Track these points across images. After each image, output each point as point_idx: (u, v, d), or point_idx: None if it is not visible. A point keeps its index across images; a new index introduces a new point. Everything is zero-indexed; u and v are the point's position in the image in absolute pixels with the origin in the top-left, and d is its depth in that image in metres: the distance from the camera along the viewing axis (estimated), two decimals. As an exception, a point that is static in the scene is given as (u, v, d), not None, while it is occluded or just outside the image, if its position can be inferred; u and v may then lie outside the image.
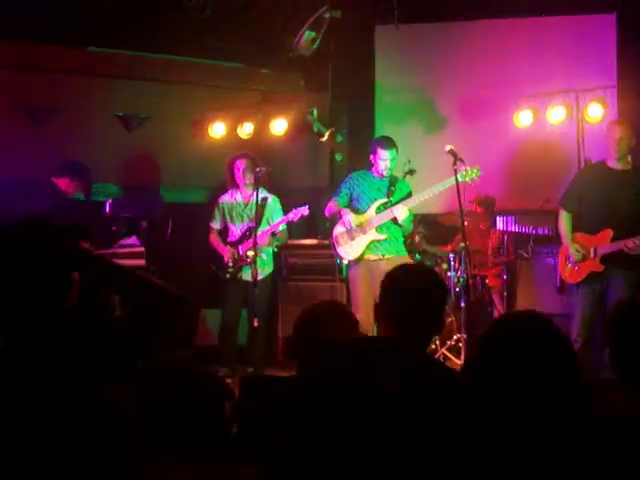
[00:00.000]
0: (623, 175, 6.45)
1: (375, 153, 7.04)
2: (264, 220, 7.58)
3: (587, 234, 6.50)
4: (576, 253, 6.43)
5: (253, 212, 7.48)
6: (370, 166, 7.17)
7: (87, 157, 8.02)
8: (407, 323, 2.75)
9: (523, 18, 9.09)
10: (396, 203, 7.02)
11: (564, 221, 6.67)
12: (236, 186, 7.73)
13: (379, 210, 7.04)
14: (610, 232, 6.33)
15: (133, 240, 7.50)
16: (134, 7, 8.17)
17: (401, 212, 6.93)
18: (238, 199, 7.73)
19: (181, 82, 9.04)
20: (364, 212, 7.07)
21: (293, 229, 8.13)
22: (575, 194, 6.66)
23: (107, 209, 7.85)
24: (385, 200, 7.07)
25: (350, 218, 7.01)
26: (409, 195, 7.15)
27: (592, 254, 6.39)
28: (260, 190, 7.43)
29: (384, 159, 6.99)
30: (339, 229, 7.12)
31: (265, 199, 7.55)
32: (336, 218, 7.20)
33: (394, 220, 6.99)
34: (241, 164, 7.62)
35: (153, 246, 7.48)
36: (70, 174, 7.37)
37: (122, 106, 8.76)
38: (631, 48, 8.62)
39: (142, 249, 7.57)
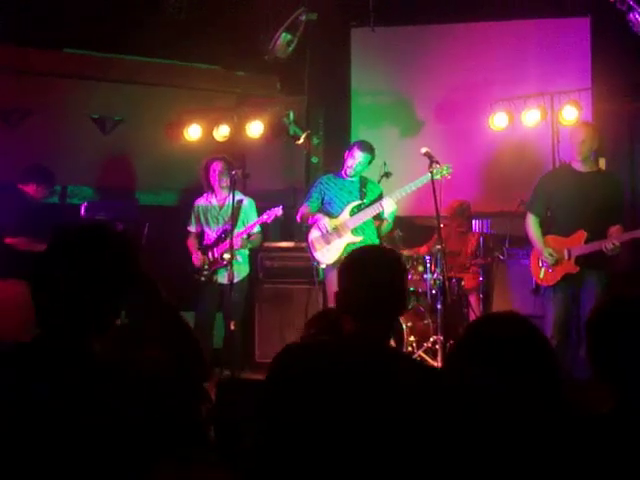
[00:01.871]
0: (589, 177, 6.50)
1: (351, 150, 7.09)
2: (239, 222, 7.56)
3: (559, 236, 6.53)
4: (550, 257, 6.46)
5: (228, 215, 7.47)
6: (340, 169, 7.18)
7: (62, 160, 7.98)
8: (368, 311, 2.59)
9: (498, 21, 9.14)
10: (370, 204, 7.03)
11: (533, 225, 6.70)
12: (211, 189, 7.71)
13: (353, 212, 7.04)
14: (584, 233, 6.37)
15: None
16: (109, 9, 8.13)
17: (390, 205, 6.94)
18: (213, 202, 7.71)
19: (157, 84, 9.01)
20: (337, 215, 7.07)
21: (270, 232, 8.12)
22: (542, 198, 6.68)
23: (82, 212, 7.81)
24: (359, 202, 7.07)
25: (325, 222, 7.01)
26: (380, 196, 7.17)
27: (566, 256, 6.42)
28: (235, 193, 7.43)
29: (354, 158, 7.03)
30: (314, 233, 7.11)
31: (240, 201, 7.54)
32: (307, 222, 7.21)
33: (375, 217, 7.01)
34: (217, 167, 7.61)
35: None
36: (36, 180, 7.32)
37: (97, 108, 8.72)
38: (605, 51, 8.68)
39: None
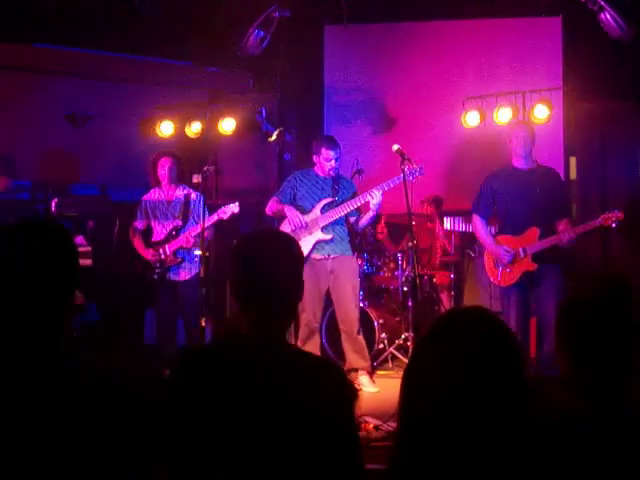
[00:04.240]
0: (531, 174, 6.55)
1: (319, 153, 7.03)
2: (190, 219, 7.45)
3: (511, 235, 6.56)
4: (505, 254, 6.47)
5: (177, 210, 7.39)
6: (313, 165, 7.17)
7: (31, 155, 7.91)
8: (258, 303, 2.47)
9: (471, 20, 9.17)
10: (342, 202, 7.02)
11: (481, 227, 6.73)
12: (159, 184, 7.59)
13: (324, 210, 7.03)
14: (537, 230, 6.41)
15: (80, 240, 7.43)
16: (80, 3, 8.06)
17: (377, 196, 6.88)
18: (161, 197, 7.58)
19: (128, 80, 8.97)
20: (309, 212, 7.05)
21: (241, 228, 8.08)
22: (488, 200, 6.71)
23: (52, 208, 7.75)
24: (330, 200, 7.06)
25: (296, 217, 6.99)
26: (354, 193, 7.16)
27: (522, 254, 6.44)
28: (182, 187, 7.40)
29: (329, 159, 6.99)
30: (285, 228, 7.09)
31: (188, 195, 7.44)
32: (278, 215, 7.18)
33: (349, 214, 7.01)
34: (166, 162, 7.48)
35: (100, 245, 7.39)
36: None
37: (68, 104, 8.65)
38: (576, 50, 8.75)
39: (89, 248, 7.51)
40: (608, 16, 7.85)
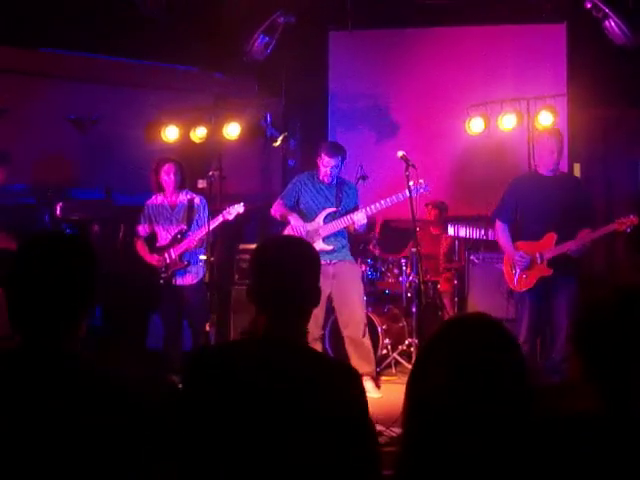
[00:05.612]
0: (555, 181, 6.55)
1: (319, 158, 7.03)
2: (194, 223, 7.46)
3: (530, 241, 6.57)
4: (521, 260, 6.49)
5: (181, 215, 7.40)
6: (317, 168, 7.17)
7: (38, 159, 7.94)
8: (277, 307, 2.53)
9: (476, 26, 9.19)
10: (345, 213, 7.02)
11: (502, 231, 6.74)
12: (162, 190, 7.59)
13: (327, 220, 7.03)
14: (554, 235, 6.41)
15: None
16: (87, 8, 8.08)
17: (361, 217, 6.92)
18: (164, 202, 7.59)
19: (134, 85, 9.00)
20: (311, 220, 7.06)
21: (245, 233, 8.10)
22: (511, 205, 6.72)
23: (58, 212, 7.76)
24: (333, 210, 7.06)
25: (299, 225, 7.00)
26: (356, 196, 7.18)
27: (539, 260, 6.46)
28: (185, 192, 7.41)
29: (326, 166, 6.97)
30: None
31: (192, 200, 7.45)
32: (282, 219, 7.18)
33: (346, 228, 7.02)
34: (170, 169, 7.48)
35: (105, 249, 7.40)
36: None
37: (74, 108, 8.68)
38: (580, 57, 8.77)
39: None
40: (612, 23, 7.87)
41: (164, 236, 7.46)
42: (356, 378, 2.50)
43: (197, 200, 7.46)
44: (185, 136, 8.90)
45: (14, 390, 2.08)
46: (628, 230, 6.32)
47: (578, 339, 2.29)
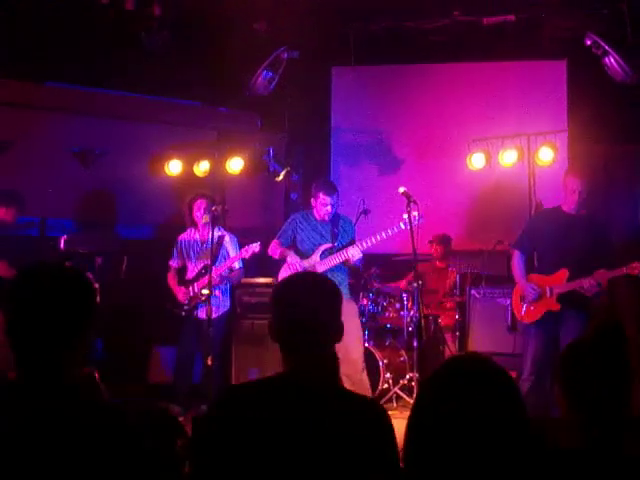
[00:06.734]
0: (577, 219, 6.57)
1: (317, 198, 7.07)
2: (220, 258, 7.58)
3: (543, 275, 6.59)
4: (532, 292, 6.51)
5: (210, 250, 7.48)
6: (312, 208, 7.21)
7: (42, 192, 7.98)
8: (297, 344, 2.54)
9: (477, 62, 9.28)
10: (341, 248, 7.05)
11: (518, 262, 6.76)
12: (194, 225, 7.73)
13: (323, 256, 7.07)
14: (566, 272, 6.43)
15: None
16: (92, 43, 8.17)
17: (356, 253, 6.96)
18: (196, 237, 7.73)
19: (138, 119, 9.06)
20: (309, 256, 7.09)
21: (248, 267, 8.12)
22: (530, 237, 6.76)
23: (62, 245, 7.80)
24: (330, 245, 7.09)
25: (296, 262, 7.04)
26: (352, 230, 7.22)
27: (548, 294, 6.48)
28: (218, 229, 7.47)
29: (326, 204, 7.02)
30: (285, 273, 7.10)
31: (222, 237, 7.57)
32: (279, 258, 7.21)
33: (343, 262, 7.03)
34: (202, 204, 7.62)
35: (108, 283, 7.44)
36: (4, 202, 7.29)
37: (78, 142, 8.73)
38: (581, 94, 8.83)
39: (96, 286, 7.54)
40: (612, 60, 7.95)
41: (192, 270, 7.62)
42: (384, 414, 2.50)
43: (227, 238, 7.59)
44: (188, 170, 8.94)
45: (13, 422, 2.10)
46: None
47: (560, 374, 2.35)
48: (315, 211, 7.14)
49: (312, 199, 7.15)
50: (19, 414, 2.11)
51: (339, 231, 7.15)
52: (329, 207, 7.03)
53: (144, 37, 8.10)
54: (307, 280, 2.72)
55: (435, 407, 2.02)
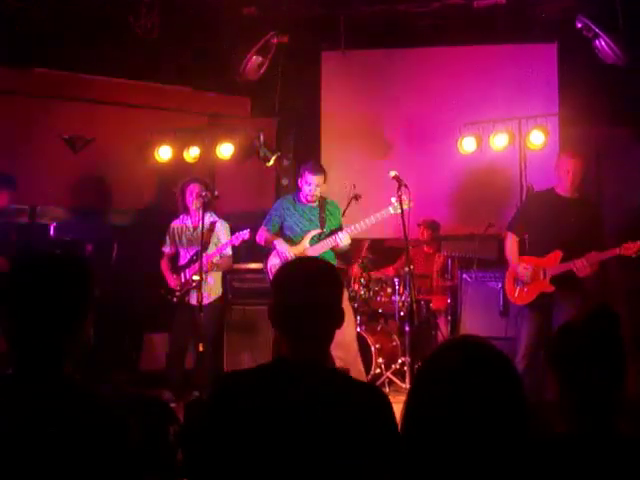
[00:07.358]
0: (571, 202, 6.58)
1: (302, 176, 7.04)
2: (212, 244, 7.55)
3: (535, 257, 6.59)
4: (525, 271, 6.51)
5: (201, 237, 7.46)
6: (298, 191, 7.18)
7: (31, 179, 7.94)
8: (299, 330, 2.50)
9: (468, 46, 9.24)
10: (330, 234, 7.03)
11: (511, 244, 6.77)
12: (187, 211, 7.68)
13: (313, 242, 7.04)
14: (559, 253, 6.44)
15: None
16: (81, 28, 8.12)
17: (345, 239, 6.94)
18: (188, 224, 7.68)
19: (127, 104, 9.01)
20: (297, 243, 7.06)
21: (238, 254, 8.10)
22: (524, 219, 6.77)
23: (51, 232, 7.77)
24: (318, 231, 7.07)
25: (285, 249, 7.01)
26: (339, 215, 7.20)
27: (542, 275, 6.48)
28: (210, 214, 7.43)
29: (310, 184, 6.98)
30: (273, 260, 7.09)
31: (213, 223, 7.54)
32: (267, 245, 7.18)
33: (331, 248, 7.01)
34: (194, 189, 7.57)
35: (98, 270, 7.41)
36: None
37: (67, 128, 8.68)
38: (571, 77, 8.80)
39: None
40: (603, 43, 7.92)
41: (184, 256, 7.59)
42: (385, 399, 2.49)
43: (218, 224, 7.54)
44: (178, 156, 8.90)
45: (10, 414, 2.09)
46: (634, 255, 6.32)
47: (551, 357, 2.34)
48: (301, 194, 7.10)
49: (298, 179, 7.12)
50: (18, 405, 2.11)
51: (327, 216, 7.12)
52: (313, 187, 6.99)
53: (133, 21, 8.04)
54: (309, 265, 2.69)
55: (433, 390, 2.01)
